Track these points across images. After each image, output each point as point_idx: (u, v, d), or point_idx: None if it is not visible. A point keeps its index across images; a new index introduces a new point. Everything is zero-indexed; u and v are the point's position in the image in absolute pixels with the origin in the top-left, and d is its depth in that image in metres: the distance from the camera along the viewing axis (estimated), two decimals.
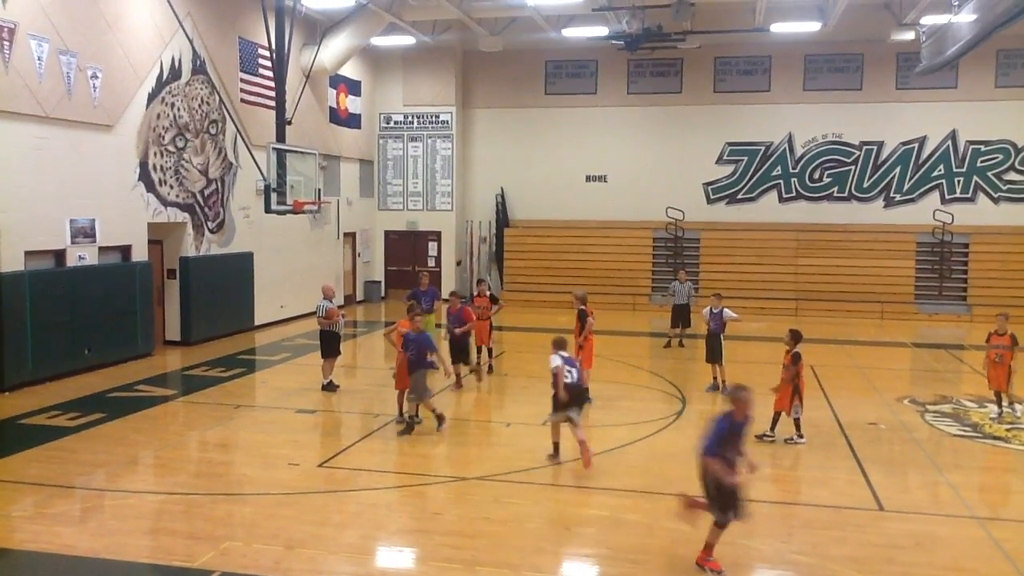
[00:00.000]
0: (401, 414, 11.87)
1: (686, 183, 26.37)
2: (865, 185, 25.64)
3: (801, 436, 11.12)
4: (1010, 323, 12.80)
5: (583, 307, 13.23)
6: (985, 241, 24.46)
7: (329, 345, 13.94)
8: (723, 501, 7.08)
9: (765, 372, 15.82)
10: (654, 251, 26.20)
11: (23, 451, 10.45)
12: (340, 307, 12.77)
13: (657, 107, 26.45)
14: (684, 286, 18.82)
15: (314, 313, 15.08)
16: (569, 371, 10.24)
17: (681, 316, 18.68)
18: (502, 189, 27.49)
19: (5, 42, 13.25)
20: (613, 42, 22.68)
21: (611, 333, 19.47)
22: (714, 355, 14.02)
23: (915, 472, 10.22)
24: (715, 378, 14.13)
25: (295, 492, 9.07)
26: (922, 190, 25.31)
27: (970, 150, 24.96)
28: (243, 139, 18.46)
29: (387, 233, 27.84)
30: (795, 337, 11.23)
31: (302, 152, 17.08)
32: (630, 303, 25.14)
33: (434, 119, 27.16)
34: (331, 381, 13.89)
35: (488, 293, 15.74)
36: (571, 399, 10.21)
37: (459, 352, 14.08)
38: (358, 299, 26.26)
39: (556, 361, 10.21)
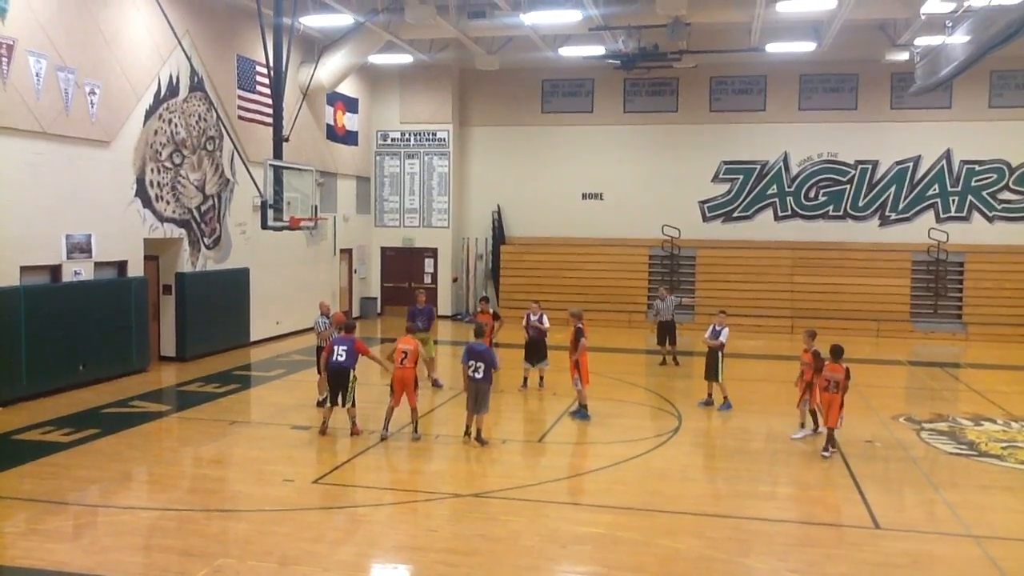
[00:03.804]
0: (385, 429, 11.97)
1: (682, 201, 26.45)
2: (860, 204, 25.74)
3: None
4: (816, 340, 12.38)
5: (580, 324, 13.29)
6: (980, 260, 24.53)
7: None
8: None
9: (762, 389, 15.88)
10: (650, 269, 26.21)
11: (16, 467, 10.40)
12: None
13: (653, 126, 26.56)
14: (666, 303, 18.53)
15: (311, 329, 15.05)
16: (533, 328, 15.06)
17: (667, 332, 18.47)
18: (498, 206, 27.55)
19: (3, 58, 13.29)
20: (609, 61, 22.81)
21: (607, 350, 19.47)
22: (709, 372, 14.03)
23: (911, 490, 10.22)
24: (709, 394, 14.16)
25: (290, 509, 9.03)
26: (917, 209, 25.40)
27: (964, 169, 25.08)
28: (240, 156, 18.50)
29: (383, 250, 27.86)
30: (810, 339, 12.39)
31: (299, 169, 17.11)
32: (626, 320, 25.14)
33: (431, 137, 27.25)
34: (327, 397, 13.78)
35: (491, 310, 15.92)
36: (526, 350, 15.12)
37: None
38: (354, 315, 26.22)
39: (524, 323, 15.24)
